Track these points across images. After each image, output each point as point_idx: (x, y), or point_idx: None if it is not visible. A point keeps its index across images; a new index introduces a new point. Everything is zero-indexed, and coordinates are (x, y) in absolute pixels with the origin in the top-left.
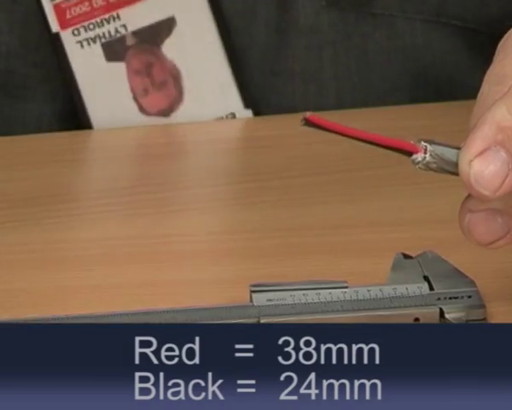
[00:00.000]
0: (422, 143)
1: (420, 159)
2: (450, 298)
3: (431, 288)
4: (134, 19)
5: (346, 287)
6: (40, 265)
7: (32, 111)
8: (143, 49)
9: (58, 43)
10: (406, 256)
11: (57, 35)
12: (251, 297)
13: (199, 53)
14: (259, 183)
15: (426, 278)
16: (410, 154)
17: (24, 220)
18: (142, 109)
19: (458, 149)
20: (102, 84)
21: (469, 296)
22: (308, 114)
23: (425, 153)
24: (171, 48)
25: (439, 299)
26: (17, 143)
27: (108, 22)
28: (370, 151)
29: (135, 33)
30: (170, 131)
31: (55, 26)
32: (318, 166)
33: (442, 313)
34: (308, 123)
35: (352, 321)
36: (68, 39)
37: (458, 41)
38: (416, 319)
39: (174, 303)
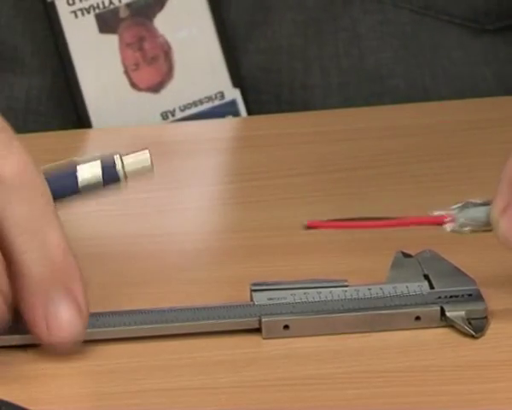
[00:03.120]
0: (445, 211)
1: (449, 229)
2: (451, 297)
3: (431, 286)
4: None
5: (346, 286)
6: None
7: (20, 84)
8: (136, 22)
9: (52, 13)
10: (406, 255)
11: (52, 4)
12: (251, 296)
13: (190, 29)
14: (260, 181)
15: (426, 277)
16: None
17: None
18: (132, 84)
19: (488, 204)
20: (95, 55)
21: (470, 295)
22: (307, 222)
23: (453, 221)
24: (162, 22)
25: (439, 298)
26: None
27: None
28: (370, 150)
29: (128, 5)
30: (167, 130)
31: None
32: (319, 165)
33: (443, 312)
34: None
35: (354, 320)
36: (63, 8)
37: (445, 36)
38: (417, 318)
39: (175, 302)
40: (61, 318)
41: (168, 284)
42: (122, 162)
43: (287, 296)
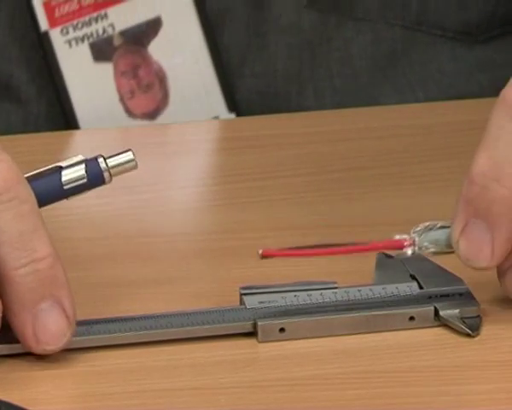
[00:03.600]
0: (406, 235)
1: (410, 252)
2: (442, 296)
3: (420, 286)
4: (121, 18)
5: (335, 288)
6: None
7: (17, 111)
8: (130, 49)
9: (47, 43)
10: (388, 256)
11: (46, 34)
12: (242, 300)
13: (184, 55)
14: (259, 182)
15: (413, 277)
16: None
17: None
18: (128, 111)
19: (448, 227)
20: (90, 84)
21: (461, 294)
22: (260, 251)
23: (413, 245)
24: (157, 49)
25: (430, 297)
26: (17, 142)
27: (96, 21)
28: (370, 150)
29: (122, 33)
30: (159, 131)
31: (44, 24)
32: (318, 166)
33: (436, 312)
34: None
35: (347, 322)
36: (57, 38)
37: (437, 50)
38: (411, 318)
39: (164, 303)
40: (50, 328)
41: (157, 285)
42: (106, 164)
43: (277, 299)
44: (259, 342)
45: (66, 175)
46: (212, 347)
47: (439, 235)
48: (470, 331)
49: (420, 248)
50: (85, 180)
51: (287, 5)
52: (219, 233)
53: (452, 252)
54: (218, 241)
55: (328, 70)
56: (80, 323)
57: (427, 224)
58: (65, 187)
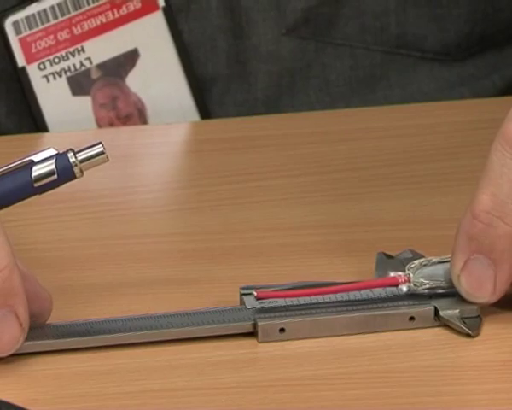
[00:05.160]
0: (401, 273)
1: (405, 289)
2: (442, 296)
3: None
4: (98, 51)
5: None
6: (39, 264)
7: None
8: (108, 82)
9: (24, 78)
10: (387, 256)
11: (23, 69)
12: (241, 300)
13: (162, 85)
14: (259, 182)
15: None
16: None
17: (24, 220)
18: None
19: (443, 262)
20: (69, 118)
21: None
22: (255, 292)
23: (408, 281)
24: (134, 80)
25: (430, 297)
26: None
27: (73, 55)
28: (370, 151)
29: (99, 66)
30: (158, 131)
31: (21, 60)
32: (318, 166)
33: (436, 312)
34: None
35: (348, 322)
36: (34, 74)
37: (416, 71)
38: (411, 318)
39: (163, 303)
40: (2, 337)
41: (157, 285)
42: (76, 158)
43: (277, 299)
44: (259, 342)
45: (36, 171)
46: (212, 347)
47: (435, 270)
48: (470, 331)
49: (415, 285)
50: (55, 176)
51: (266, 34)
52: (219, 233)
53: (448, 288)
54: (218, 241)
55: (307, 96)
56: (80, 323)
57: (422, 260)
58: (35, 185)
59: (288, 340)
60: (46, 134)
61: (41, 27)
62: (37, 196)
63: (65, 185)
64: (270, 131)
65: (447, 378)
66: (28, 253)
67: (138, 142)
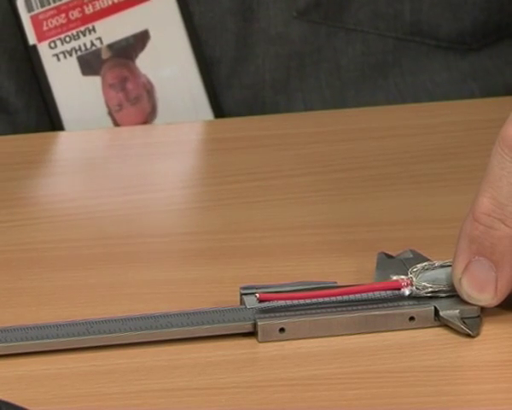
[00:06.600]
0: (404, 276)
1: (408, 292)
2: (442, 296)
3: None
4: (109, 31)
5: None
6: (39, 264)
7: (5, 122)
8: (118, 63)
9: (35, 56)
10: (388, 256)
11: (34, 47)
12: (241, 300)
13: (171, 67)
14: (259, 182)
15: None
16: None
17: (24, 220)
18: (116, 124)
19: (445, 266)
20: (78, 98)
21: None
22: (258, 294)
23: (410, 285)
24: (144, 62)
25: (430, 298)
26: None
27: (84, 35)
28: (370, 151)
29: (110, 47)
30: (156, 131)
31: (32, 38)
32: (318, 166)
33: (436, 312)
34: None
35: (348, 322)
36: (45, 52)
37: (429, 60)
38: (412, 318)
39: (164, 303)
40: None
41: (157, 285)
42: None
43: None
44: (259, 342)
45: None
46: (212, 347)
47: (438, 274)
48: (470, 331)
49: (418, 288)
50: None
51: (277, 16)
52: (219, 233)
53: (450, 291)
54: (218, 241)
55: (317, 81)
56: (80, 323)
57: (424, 264)
58: None
59: (287, 340)
60: (63, 133)
61: (53, 5)
62: (36, 196)
63: (65, 185)
64: (271, 131)
65: (447, 378)
66: (28, 253)
67: (138, 142)
